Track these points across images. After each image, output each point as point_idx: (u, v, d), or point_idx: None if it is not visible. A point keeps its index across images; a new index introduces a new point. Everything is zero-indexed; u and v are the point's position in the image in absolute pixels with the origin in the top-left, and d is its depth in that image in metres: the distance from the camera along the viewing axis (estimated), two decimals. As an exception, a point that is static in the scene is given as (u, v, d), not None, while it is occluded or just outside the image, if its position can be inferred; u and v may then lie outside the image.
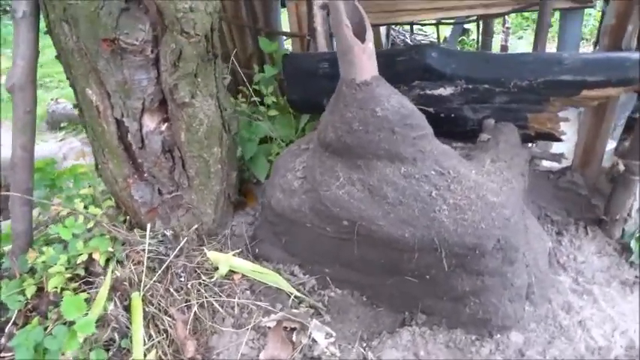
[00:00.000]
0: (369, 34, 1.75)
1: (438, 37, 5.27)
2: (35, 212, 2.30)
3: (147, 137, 1.90)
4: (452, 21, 4.20)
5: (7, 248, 2.12)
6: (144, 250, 1.89)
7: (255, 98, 2.42)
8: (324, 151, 1.86)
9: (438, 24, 4.58)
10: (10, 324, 1.90)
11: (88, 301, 1.79)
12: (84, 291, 1.89)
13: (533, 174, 2.26)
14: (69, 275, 1.92)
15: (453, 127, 2.24)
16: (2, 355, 1.81)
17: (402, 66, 2.24)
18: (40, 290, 1.94)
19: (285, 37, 3.14)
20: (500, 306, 1.65)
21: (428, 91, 2.20)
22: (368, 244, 1.75)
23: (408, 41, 4.95)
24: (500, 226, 1.60)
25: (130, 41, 1.68)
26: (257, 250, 2.10)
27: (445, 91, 2.17)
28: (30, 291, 1.91)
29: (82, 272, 1.94)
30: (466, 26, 5.37)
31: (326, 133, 1.83)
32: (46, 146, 3.79)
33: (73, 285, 1.91)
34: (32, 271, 1.99)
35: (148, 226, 1.95)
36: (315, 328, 1.67)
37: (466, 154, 2.11)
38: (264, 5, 3.00)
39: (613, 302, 1.84)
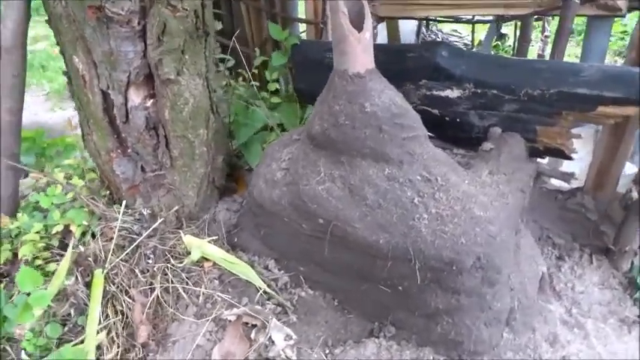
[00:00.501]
0: (368, 25, 1.64)
1: (473, 40, 5.07)
2: (32, 179, 2.29)
3: (131, 112, 1.84)
4: (483, 23, 4.00)
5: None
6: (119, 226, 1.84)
7: (254, 83, 2.33)
8: (310, 143, 1.76)
9: (473, 23, 4.40)
10: (-20, 286, 1.89)
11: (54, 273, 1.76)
12: (56, 261, 1.85)
13: (538, 192, 2.10)
14: (43, 244, 1.89)
15: (457, 132, 2.10)
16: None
17: (411, 63, 2.11)
18: (16, 256, 1.92)
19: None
20: (474, 329, 1.52)
21: (435, 92, 2.07)
22: (342, 245, 1.64)
23: (439, 40, 4.77)
24: (482, 243, 1.47)
25: (116, 10, 1.62)
26: (236, 239, 2.02)
27: (452, 93, 2.03)
28: (4, 256, 1.89)
29: (56, 243, 1.91)
30: (503, 31, 5.15)
31: (312, 124, 1.73)
32: (62, 114, 3.83)
33: (46, 254, 1.88)
34: (12, 236, 1.96)
35: (123, 202, 1.90)
36: (275, 328, 1.58)
37: (466, 162, 1.98)
38: (282, -11, 2.91)
39: (606, 340, 1.68)
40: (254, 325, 1.63)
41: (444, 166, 1.66)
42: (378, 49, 2.17)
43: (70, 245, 1.72)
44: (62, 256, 1.85)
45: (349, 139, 1.63)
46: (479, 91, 1.97)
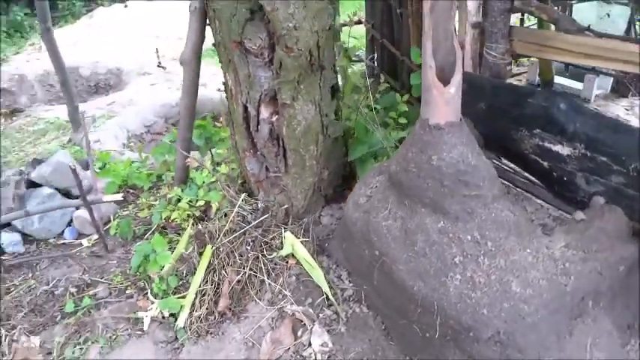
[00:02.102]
0: (456, 80, 1.70)
1: None
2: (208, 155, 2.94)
3: (260, 123, 2.25)
4: None
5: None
6: (237, 212, 2.31)
7: (375, 106, 2.50)
8: (388, 180, 1.91)
9: None
10: (149, 232, 2.59)
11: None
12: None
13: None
14: (189, 213, 2.48)
15: (563, 190, 1.98)
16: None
17: (530, 108, 2.04)
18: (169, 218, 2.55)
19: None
20: (484, 397, 1.54)
21: (546, 144, 1.98)
22: (388, 280, 1.79)
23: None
24: (506, 320, 1.47)
25: (251, 45, 2.01)
26: (327, 244, 2.31)
27: (563, 149, 1.91)
28: (165, 214, 2.54)
29: (198, 213, 2.48)
30: None
31: (392, 163, 1.88)
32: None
33: (190, 221, 2.47)
34: (173, 202, 2.59)
35: (243, 195, 2.34)
36: (316, 334, 1.84)
37: (554, 225, 1.87)
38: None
39: None
40: (304, 324, 1.92)
41: (505, 231, 1.65)
42: (504, 87, 2.15)
43: (190, 223, 2.25)
44: (201, 223, 2.41)
45: (414, 185, 1.74)
46: (588, 153, 1.81)
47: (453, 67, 1.71)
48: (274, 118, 2.22)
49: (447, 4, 1.69)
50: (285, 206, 2.39)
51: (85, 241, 2.68)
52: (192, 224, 2.30)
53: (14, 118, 4.96)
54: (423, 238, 1.70)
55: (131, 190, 3.04)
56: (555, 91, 1.99)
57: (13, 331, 2.07)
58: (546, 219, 1.93)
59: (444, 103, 1.69)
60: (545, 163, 1.99)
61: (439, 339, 1.60)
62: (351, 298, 2.06)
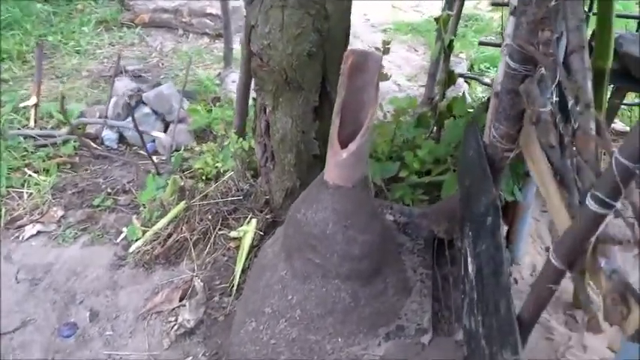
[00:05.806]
0: (351, 147, 1.64)
1: None
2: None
3: (262, 117, 2.44)
4: None
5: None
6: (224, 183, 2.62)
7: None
8: (296, 213, 1.96)
9: None
10: (188, 171, 3.09)
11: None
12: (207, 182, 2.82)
13: None
14: (209, 169, 2.88)
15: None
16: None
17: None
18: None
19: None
20: None
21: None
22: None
23: None
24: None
25: (253, 48, 2.19)
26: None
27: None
28: (197, 164, 2.99)
29: (214, 172, 2.86)
30: None
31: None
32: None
33: (209, 176, 2.87)
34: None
35: (230, 173, 2.62)
36: (186, 310, 2.09)
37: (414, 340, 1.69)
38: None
39: None
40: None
41: (325, 310, 1.61)
42: None
43: (171, 179, 2.64)
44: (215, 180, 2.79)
45: (284, 227, 1.79)
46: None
47: (356, 134, 1.64)
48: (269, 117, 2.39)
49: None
50: (266, 197, 2.59)
51: (154, 158, 3.34)
52: (183, 177, 2.71)
53: (215, 41, 5.96)
54: (268, 277, 1.76)
55: (212, 132, 3.57)
56: None
57: (59, 200, 2.85)
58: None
59: (334, 164, 1.66)
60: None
61: (227, 367, 1.72)
62: (249, 299, 2.22)
